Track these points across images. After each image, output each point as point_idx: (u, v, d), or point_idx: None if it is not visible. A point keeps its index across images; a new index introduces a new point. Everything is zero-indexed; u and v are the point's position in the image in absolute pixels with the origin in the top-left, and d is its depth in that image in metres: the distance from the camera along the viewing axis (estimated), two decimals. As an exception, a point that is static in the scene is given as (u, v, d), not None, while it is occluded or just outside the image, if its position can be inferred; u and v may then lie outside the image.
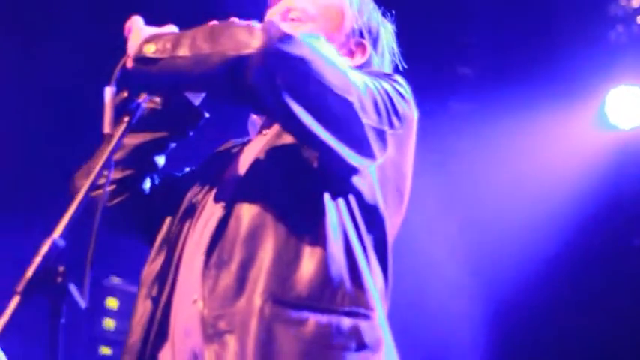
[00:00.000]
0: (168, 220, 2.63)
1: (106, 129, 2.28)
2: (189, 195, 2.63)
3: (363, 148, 2.36)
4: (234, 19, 2.41)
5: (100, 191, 2.38)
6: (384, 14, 2.83)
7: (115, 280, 6.73)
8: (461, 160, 6.11)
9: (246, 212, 2.39)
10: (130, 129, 2.36)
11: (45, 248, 2.15)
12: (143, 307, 2.52)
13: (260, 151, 2.50)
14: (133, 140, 2.63)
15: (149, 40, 2.34)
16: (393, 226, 2.53)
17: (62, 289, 2.17)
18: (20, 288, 2.11)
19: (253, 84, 2.22)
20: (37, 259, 2.15)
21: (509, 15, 5.90)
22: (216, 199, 2.51)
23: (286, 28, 2.28)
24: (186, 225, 2.54)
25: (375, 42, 2.74)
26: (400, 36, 2.84)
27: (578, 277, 6.20)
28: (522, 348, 6.29)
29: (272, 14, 2.72)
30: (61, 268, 2.17)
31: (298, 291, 2.31)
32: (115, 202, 2.65)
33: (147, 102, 2.44)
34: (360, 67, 2.61)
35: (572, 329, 6.24)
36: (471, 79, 6.25)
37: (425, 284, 6.04)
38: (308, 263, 2.33)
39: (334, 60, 2.33)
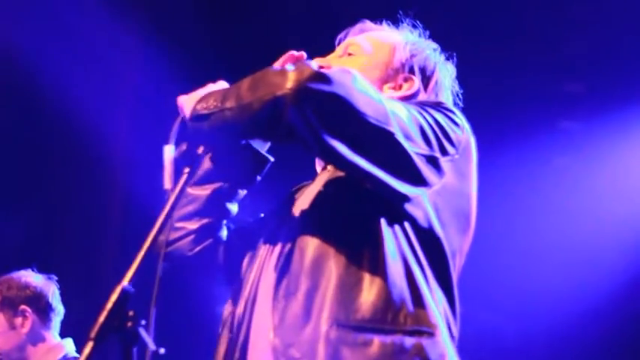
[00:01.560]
0: (245, 261, 2.75)
1: (167, 184, 2.44)
2: (262, 237, 2.73)
3: (412, 176, 2.43)
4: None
5: (175, 244, 2.62)
6: (449, 56, 2.89)
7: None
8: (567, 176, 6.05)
9: (310, 244, 2.50)
10: (192, 181, 2.48)
11: (115, 295, 2.28)
12: (224, 346, 2.64)
13: (320, 186, 2.62)
14: (204, 192, 2.78)
15: (202, 99, 2.50)
16: (458, 249, 2.58)
17: (133, 333, 2.28)
18: (94, 334, 2.24)
19: (290, 124, 2.32)
20: (109, 306, 2.27)
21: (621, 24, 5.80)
22: (284, 237, 2.61)
23: (317, 66, 2.36)
24: (259, 265, 2.66)
25: (427, 80, 2.79)
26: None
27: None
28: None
29: (337, 51, 2.85)
30: (131, 313, 2.29)
31: (361, 314, 2.40)
32: (195, 250, 2.80)
33: (205, 154, 2.56)
34: (405, 99, 2.68)
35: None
36: (580, 96, 6.17)
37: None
38: (369, 288, 2.42)
39: (370, 93, 2.39)
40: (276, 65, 2.65)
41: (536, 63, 5.98)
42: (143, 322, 2.32)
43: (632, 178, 5.98)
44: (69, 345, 4.69)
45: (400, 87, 2.76)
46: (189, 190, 2.73)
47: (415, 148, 2.42)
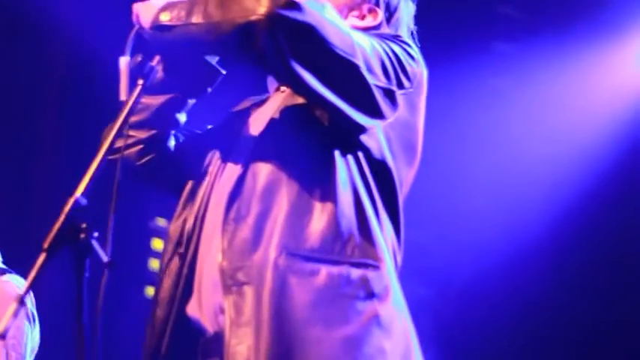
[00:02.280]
0: (192, 177, 2.75)
1: (122, 96, 2.43)
2: (210, 153, 2.74)
3: (370, 108, 2.46)
4: None
5: (119, 153, 2.54)
6: None
7: (161, 221, 6.86)
8: (502, 99, 6.10)
9: (262, 169, 2.52)
10: (145, 91, 2.50)
11: (68, 206, 2.27)
12: (171, 263, 2.66)
13: (275, 110, 2.63)
14: (155, 101, 2.75)
15: (164, 8, 2.47)
16: (404, 181, 2.63)
17: (85, 245, 2.28)
18: (46, 245, 2.24)
19: (261, 49, 2.34)
20: (61, 217, 2.26)
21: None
22: (236, 157, 2.63)
23: None
24: (208, 183, 2.66)
25: (390, 14, 2.79)
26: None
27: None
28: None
29: None
30: (84, 225, 2.28)
31: (310, 244, 2.44)
32: (143, 160, 2.79)
33: (159, 64, 2.56)
34: (367, 30, 2.69)
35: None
36: (513, 19, 6.21)
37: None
38: (319, 217, 2.45)
39: (339, 24, 2.43)
40: None
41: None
42: (96, 234, 2.32)
43: (564, 98, 6.06)
44: None
45: (364, 17, 2.76)
46: (143, 99, 2.69)
47: (375, 81, 2.45)
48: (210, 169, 2.69)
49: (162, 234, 6.82)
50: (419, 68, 2.63)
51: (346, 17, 2.72)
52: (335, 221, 2.45)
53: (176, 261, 2.65)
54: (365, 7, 2.77)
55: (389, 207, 2.58)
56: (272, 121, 2.61)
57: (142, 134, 2.77)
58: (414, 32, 2.87)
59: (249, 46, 2.35)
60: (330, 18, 2.41)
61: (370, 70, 2.44)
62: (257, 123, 2.67)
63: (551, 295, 6.28)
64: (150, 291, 6.63)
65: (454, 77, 5.53)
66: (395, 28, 2.80)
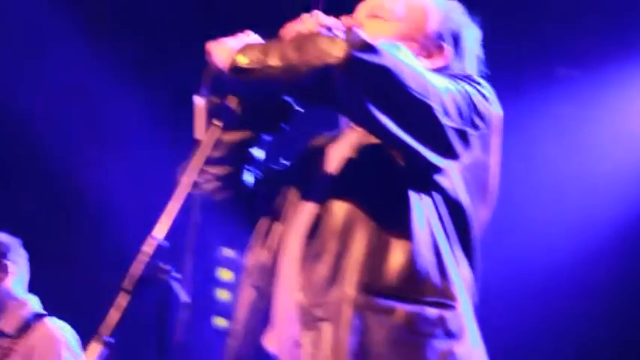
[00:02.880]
0: (267, 211, 2.77)
1: (197, 135, 2.49)
2: (287, 189, 2.76)
3: (445, 149, 2.48)
4: (322, 21, 2.57)
5: (201, 187, 2.63)
6: (473, 18, 2.88)
7: (228, 252, 6.91)
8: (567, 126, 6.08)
9: (339, 208, 2.55)
10: (221, 131, 2.55)
11: (149, 248, 2.32)
12: (248, 296, 2.69)
13: (351, 149, 2.65)
14: (231, 137, 2.77)
15: (242, 50, 2.49)
16: (479, 221, 2.64)
17: (167, 285, 2.34)
18: (129, 286, 2.30)
19: (337, 90, 2.37)
20: (143, 259, 2.31)
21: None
22: (312, 195, 2.65)
23: (367, 36, 2.38)
24: (285, 218, 2.70)
25: (457, 46, 2.80)
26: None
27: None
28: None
29: (360, 11, 2.80)
30: (165, 266, 2.34)
31: (388, 282, 2.46)
32: (220, 196, 2.82)
33: (235, 103, 2.60)
34: (438, 70, 2.68)
35: None
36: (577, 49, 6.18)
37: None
38: (397, 256, 2.48)
39: (414, 65, 2.44)
40: (293, 26, 2.62)
41: (533, 9, 5.97)
42: (176, 275, 2.36)
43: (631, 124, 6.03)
44: (34, 301, 4.74)
45: (433, 56, 2.76)
46: (220, 135, 2.70)
47: (449, 122, 2.46)
48: (287, 204, 2.72)
49: (228, 264, 6.90)
50: (492, 109, 2.63)
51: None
52: (412, 260, 2.48)
53: (251, 293, 2.69)
54: (433, 46, 2.77)
55: (464, 246, 2.59)
56: (348, 160, 2.63)
57: (219, 171, 2.79)
58: (483, 59, 2.87)
59: (326, 87, 2.38)
60: (405, 59, 2.42)
61: (445, 111, 2.45)
62: (333, 161, 2.70)
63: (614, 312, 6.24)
64: (218, 321, 6.69)
65: (521, 105, 5.52)
66: (463, 59, 2.80)
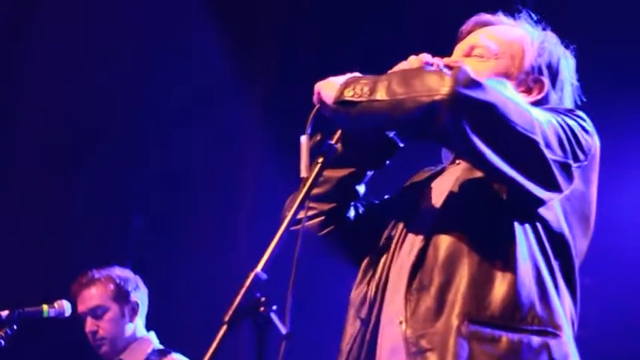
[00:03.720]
0: (372, 245, 2.81)
1: (303, 173, 2.52)
2: (391, 222, 2.80)
3: (548, 182, 2.50)
4: (427, 61, 2.64)
5: (306, 223, 2.62)
6: (566, 46, 2.90)
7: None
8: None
9: (444, 241, 2.59)
10: (324, 168, 2.58)
11: (248, 281, 2.37)
12: (353, 328, 2.75)
13: (454, 184, 2.67)
14: (335, 174, 2.82)
15: (348, 84, 2.53)
16: (579, 250, 2.68)
17: (265, 318, 2.36)
18: (227, 318, 2.34)
19: (443, 126, 2.41)
20: (242, 291, 2.35)
21: None
22: (416, 228, 2.69)
23: (473, 73, 2.41)
24: (390, 251, 2.74)
25: (554, 78, 2.82)
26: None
27: None
28: None
29: (458, 50, 2.85)
30: (263, 299, 2.36)
31: (492, 312, 2.50)
32: (324, 231, 2.87)
33: (339, 141, 2.63)
34: (537, 104, 2.70)
35: None
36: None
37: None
38: (500, 286, 2.52)
39: (518, 101, 2.49)
40: (400, 66, 2.68)
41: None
42: (274, 307, 2.39)
43: None
44: (154, 337, 4.87)
45: (531, 91, 2.79)
46: (324, 172, 2.76)
47: (552, 155, 2.50)
48: (391, 239, 2.76)
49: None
50: (593, 141, 2.65)
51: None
52: (515, 291, 2.51)
53: (357, 326, 2.73)
54: (530, 80, 2.79)
55: (566, 277, 2.62)
56: (452, 195, 2.66)
57: (324, 206, 2.85)
58: (578, 87, 2.88)
59: (432, 123, 2.41)
60: (509, 95, 2.46)
61: (548, 144, 2.48)
62: (437, 195, 2.72)
63: None
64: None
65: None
66: (560, 89, 2.82)
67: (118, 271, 4.88)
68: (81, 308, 4.76)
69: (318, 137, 2.61)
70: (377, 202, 2.95)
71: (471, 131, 2.39)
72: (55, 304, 4.34)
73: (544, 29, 2.90)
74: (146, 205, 6.52)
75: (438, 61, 2.69)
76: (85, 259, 5.32)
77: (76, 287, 4.80)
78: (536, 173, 2.48)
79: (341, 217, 2.87)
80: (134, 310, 4.83)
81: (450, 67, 2.63)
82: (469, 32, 2.89)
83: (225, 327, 2.34)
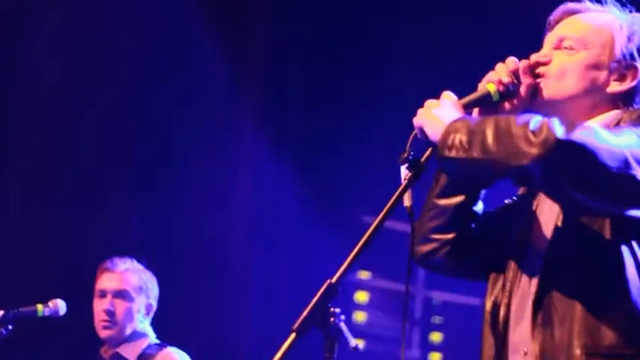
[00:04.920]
0: (497, 258, 2.80)
1: (406, 203, 2.57)
2: (507, 240, 2.79)
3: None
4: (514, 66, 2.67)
5: (435, 254, 2.81)
6: None
7: (364, 274, 6.96)
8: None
9: (560, 274, 2.59)
10: (441, 195, 2.76)
11: (322, 290, 2.39)
12: (489, 346, 2.76)
13: (557, 218, 2.65)
14: (450, 202, 2.80)
15: (448, 133, 2.53)
16: None
17: (335, 328, 2.39)
18: (297, 326, 2.37)
19: (540, 185, 2.50)
20: (314, 300, 2.38)
21: None
22: (532, 256, 2.70)
23: (560, 130, 2.39)
24: (511, 269, 2.74)
25: None
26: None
27: None
28: None
29: (547, 42, 2.81)
30: (334, 309, 2.39)
31: (609, 341, 2.52)
32: (455, 257, 2.85)
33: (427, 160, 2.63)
34: (630, 93, 2.70)
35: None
36: None
37: None
38: (615, 315, 2.53)
39: (609, 142, 2.44)
40: (488, 76, 2.70)
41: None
42: (343, 317, 2.40)
43: None
44: (151, 332, 4.90)
45: (625, 77, 2.73)
46: (438, 201, 2.79)
47: None
48: (511, 255, 2.75)
49: (365, 286, 6.96)
50: None
51: (608, 86, 2.71)
52: (631, 317, 2.52)
53: (492, 343, 2.74)
54: (622, 67, 2.73)
55: None
56: (558, 230, 2.65)
57: (447, 236, 2.82)
58: None
59: (528, 182, 2.54)
60: (601, 141, 2.43)
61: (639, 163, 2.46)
62: (544, 225, 2.71)
63: None
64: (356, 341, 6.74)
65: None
66: None
67: (147, 272, 4.91)
68: (109, 285, 4.78)
69: (410, 154, 2.60)
70: (493, 211, 2.91)
71: (565, 187, 2.43)
72: (50, 304, 4.36)
73: (631, 12, 2.82)
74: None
75: (525, 63, 2.69)
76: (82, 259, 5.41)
77: (111, 266, 4.82)
78: (636, 199, 2.48)
79: (465, 242, 2.84)
80: (148, 311, 4.87)
81: (539, 64, 2.68)
82: (557, 22, 2.83)
83: (293, 335, 2.35)
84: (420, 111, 2.63)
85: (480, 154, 2.47)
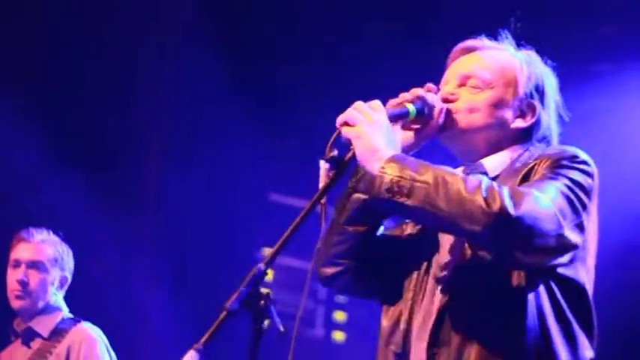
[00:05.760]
0: (397, 282, 2.88)
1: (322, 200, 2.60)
2: (414, 260, 2.87)
3: (568, 248, 2.63)
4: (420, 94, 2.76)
5: (339, 278, 2.92)
6: (546, 63, 2.97)
7: (268, 252, 7.02)
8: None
9: (462, 301, 2.69)
10: (347, 223, 2.86)
11: (251, 273, 2.47)
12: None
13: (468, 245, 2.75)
14: (359, 229, 2.87)
15: (383, 175, 2.58)
16: (592, 279, 2.77)
17: (264, 311, 2.46)
18: (228, 304, 2.43)
19: (481, 246, 2.62)
20: (245, 281, 2.46)
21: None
22: (437, 278, 2.79)
23: (508, 200, 2.50)
24: (412, 290, 2.83)
25: (542, 99, 2.90)
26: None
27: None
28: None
29: (450, 78, 2.91)
30: (265, 292, 2.47)
31: None
32: (359, 281, 2.93)
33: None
34: (531, 128, 2.85)
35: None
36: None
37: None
38: (512, 348, 2.63)
39: (547, 206, 2.56)
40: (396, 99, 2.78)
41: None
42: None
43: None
44: (64, 306, 4.93)
45: (526, 115, 2.86)
46: (345, 227, 2.86)
47: (570, 224, 2.59)
48: (412, 278, 2.84)
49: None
50: (594, 180, 2.72)
51: (513, 121, 2.83)
52: (526, 353, 2.62)
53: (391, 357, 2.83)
54: (524, 105, 2.86)
55: (583, 322, 2.71)
56: (467, 255, 2.73)
57: (351, 261, 2.88)
58: (561, 103, 2.95)
59: (472, 240, 2.65)
60: (540, 206, 2.54)
61: (564, 217, 2.58)
62: (452, 247, 2.79)
63: None
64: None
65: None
66: (547, 108, 2.88)
67: (64, 244, 4.91)
68: (23, 255, 4.79)
69: (334, 153, 2.62)
70: (393, 227, 2.97)
71: (514, 253, 2.54)
72: None
73: (522, 46, 2.96)
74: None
75: (434, 97, 2.78)
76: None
77: (26, 236, 4.82)
78: (559, 249, 2.60)
79: (369, 265, 2.90)
80: (62, 284, 4.87)
81: (447, 101, 2.79)
82: (455, 59, 2.93)
83: (224, 313, 2.41)
84: (349, 114, 2.65)
85: (425, 205, 2.54)
